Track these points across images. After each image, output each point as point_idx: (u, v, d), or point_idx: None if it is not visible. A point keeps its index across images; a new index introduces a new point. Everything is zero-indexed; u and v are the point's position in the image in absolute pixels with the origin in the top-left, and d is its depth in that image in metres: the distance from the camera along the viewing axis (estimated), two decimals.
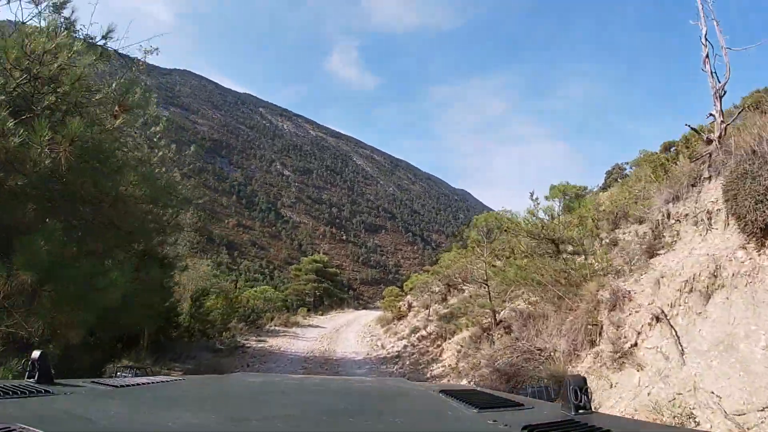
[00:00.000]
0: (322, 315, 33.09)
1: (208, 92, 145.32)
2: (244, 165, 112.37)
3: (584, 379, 1.42)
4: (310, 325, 25.68)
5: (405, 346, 15.60)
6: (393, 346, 16.41)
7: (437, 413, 1.50)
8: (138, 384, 1.78)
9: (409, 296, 25.49)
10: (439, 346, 13.41)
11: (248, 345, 16.39)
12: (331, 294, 43.24)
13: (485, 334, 10.80)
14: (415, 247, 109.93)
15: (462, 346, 11.15)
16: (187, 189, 11.27)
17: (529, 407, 1.53)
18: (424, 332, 16.29)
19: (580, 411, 1.35)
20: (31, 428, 0.94)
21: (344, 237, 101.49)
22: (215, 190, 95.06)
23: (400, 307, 24.25)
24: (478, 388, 2.27)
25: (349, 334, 21.75)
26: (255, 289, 28.27)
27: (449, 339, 13.15)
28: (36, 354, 1.66)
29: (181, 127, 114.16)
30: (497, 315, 11.11)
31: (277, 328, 23.00)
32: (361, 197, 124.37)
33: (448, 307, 16.73)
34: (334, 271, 47.79)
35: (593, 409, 1.42)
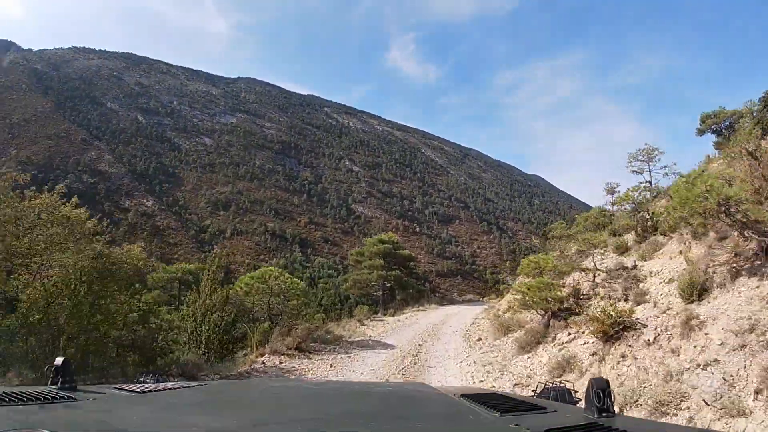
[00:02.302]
0: (393, 315, 24.59)
1: (273, 96, 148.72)
2: (313, 164, 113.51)
3: (607, 382, 1.41)
4: (361, 342, 15.06)
5: None
6: None
7: (458, 417, 1.48)
8: (160, 390, 1.78)
9: (564, 272, 14.26)
10: None
11: None
12: (405, 285, 32.63)
13: None
14: (491, 236, 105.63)
15: None
16: None
17: (552, 411, 1.52)
18: None
19: (604, 414, 1.35)
20: None
21: (417, 229, 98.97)
22: (286, 190, 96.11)
23: (568, 303, 11.84)
24: (500, 392, 2.08)
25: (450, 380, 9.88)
26: (252, 274, 16.28)
27: None
28: (59, 360, 1.66)
29: (249, 132, 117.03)
30: None
31: (274, 362, 11.73)
32: (432, 188, 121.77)
33: None
34: (408, 254, 35.13)
35: (616, 413, 1.40)
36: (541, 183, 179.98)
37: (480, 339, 14.93)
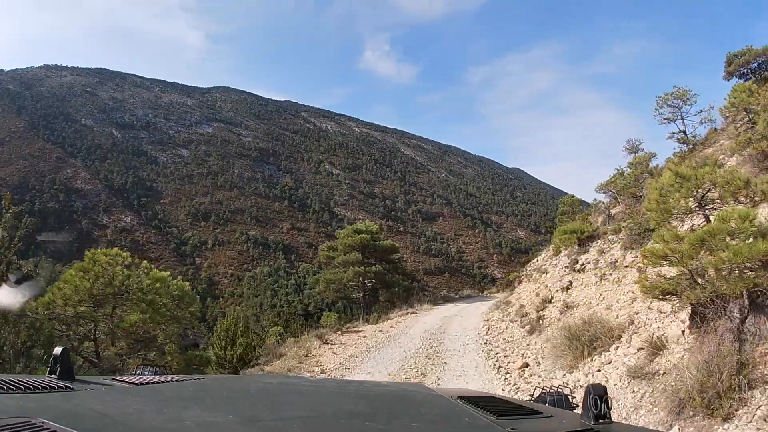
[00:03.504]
0: (375, 322, 19.99)
1: (249, 104, 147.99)
2: (292, 169, 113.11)
3: (605, 388, 1.42)
4: None
5: None
6: None
7: (454, 419, 1.48)
8: (157, 382, 1.79)
9: None
10: None
11: None
12: (390, 283, 27.34)
13: None
14: (476, 231, 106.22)
15: None
16: None
17: (548, 416, 1.53)
18: None
19: (600, 421, 1.35)
20: (51, 423, 0.97)
21: (401, 228, 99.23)
22: (266, 197, 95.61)
23: None
24: (497, 395, 2.12)
25: None
26: (78, 265, 10.10)
27: None
28: (58, 350, 1.67)
29: (227, 141, 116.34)
30: None
31: None
32: (414, 186, 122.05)
33: None
34: (390, 244, 29.16)
35: (613, 420, 1.41)
36: (523, 176, 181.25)
37: (526, 365, 8.93)
